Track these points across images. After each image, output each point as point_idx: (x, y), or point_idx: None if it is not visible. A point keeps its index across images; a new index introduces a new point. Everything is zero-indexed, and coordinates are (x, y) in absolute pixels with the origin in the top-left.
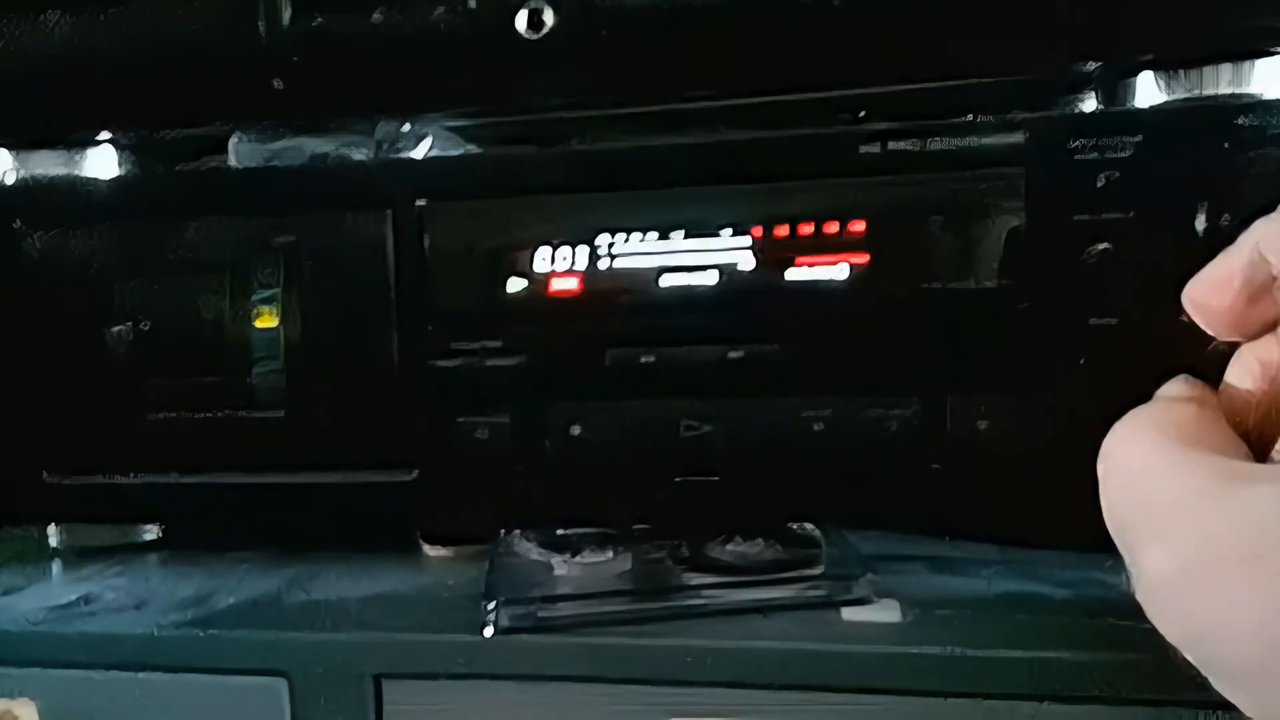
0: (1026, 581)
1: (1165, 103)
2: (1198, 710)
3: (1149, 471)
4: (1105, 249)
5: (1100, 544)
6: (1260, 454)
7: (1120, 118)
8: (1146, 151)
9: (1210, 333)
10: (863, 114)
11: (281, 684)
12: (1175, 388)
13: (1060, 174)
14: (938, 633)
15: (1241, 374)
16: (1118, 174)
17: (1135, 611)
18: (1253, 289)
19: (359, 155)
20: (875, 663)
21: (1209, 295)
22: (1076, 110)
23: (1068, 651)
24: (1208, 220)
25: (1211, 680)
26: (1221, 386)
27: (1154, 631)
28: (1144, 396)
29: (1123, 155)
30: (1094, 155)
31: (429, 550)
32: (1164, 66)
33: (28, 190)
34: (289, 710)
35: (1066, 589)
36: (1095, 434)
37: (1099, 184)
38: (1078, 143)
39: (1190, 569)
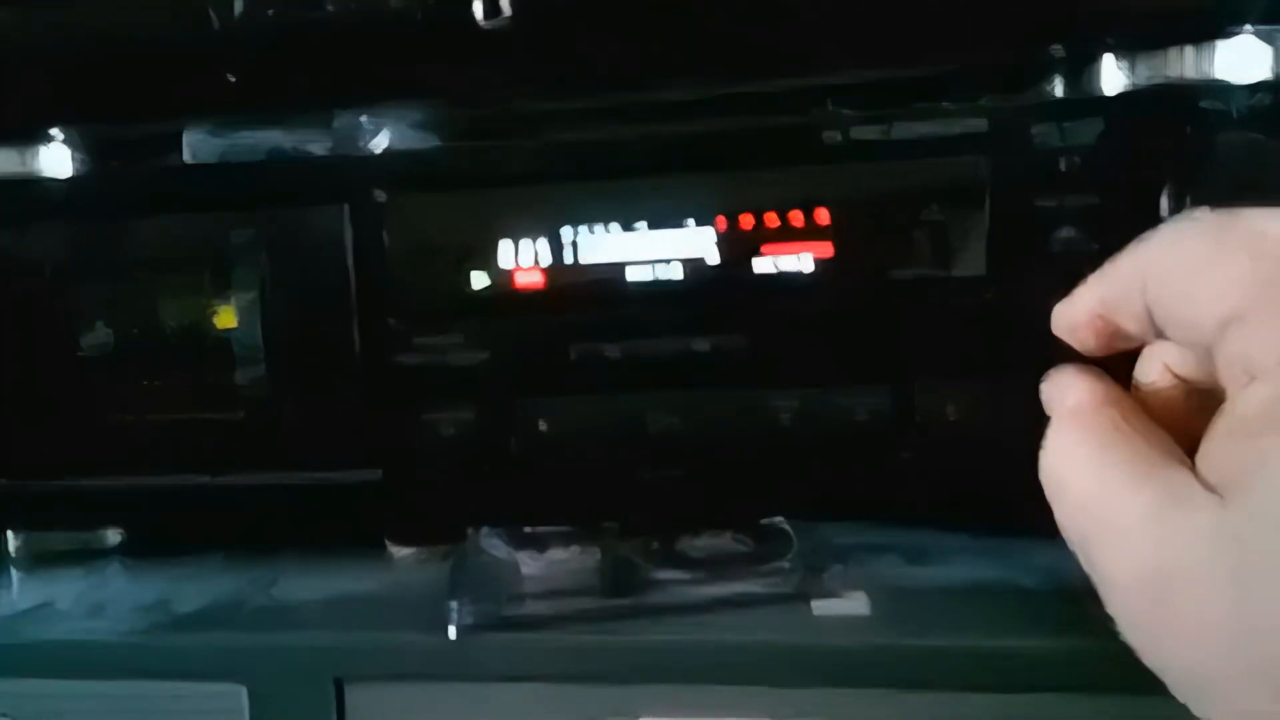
0: (999, 570)
1: (1128, 87)
2: (1173, 698)
3: (1099, 493)
4: (1070, 234)
5: None
6: (1183, 440)
7: (1083, 103)
8: (1110, 136)
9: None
10: (829, 103)
11: (240, 690)
12: (1079, 391)
13: (1024, 159)
14: (907, 624)
15: (1149, 370)
16: (1081, 159)
17: None
18: (1099, 335)
19: (316, 148)
20: (844, 656)
21: (1068, 334)
22: (1039, 96)
23: (1039, 640)
24: (1172, 203)
25: (1169, 686)
26: (1135, 383)
27: None
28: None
29: (1086, 140)
30: (1057, 141)
31: (395, 550)
32: (1126, 50)
33: None
34: (248, 716)
35: (1039, 576)
36: None
37: (1063, 169)
38: (1041, 128)
39: (1147, 583)
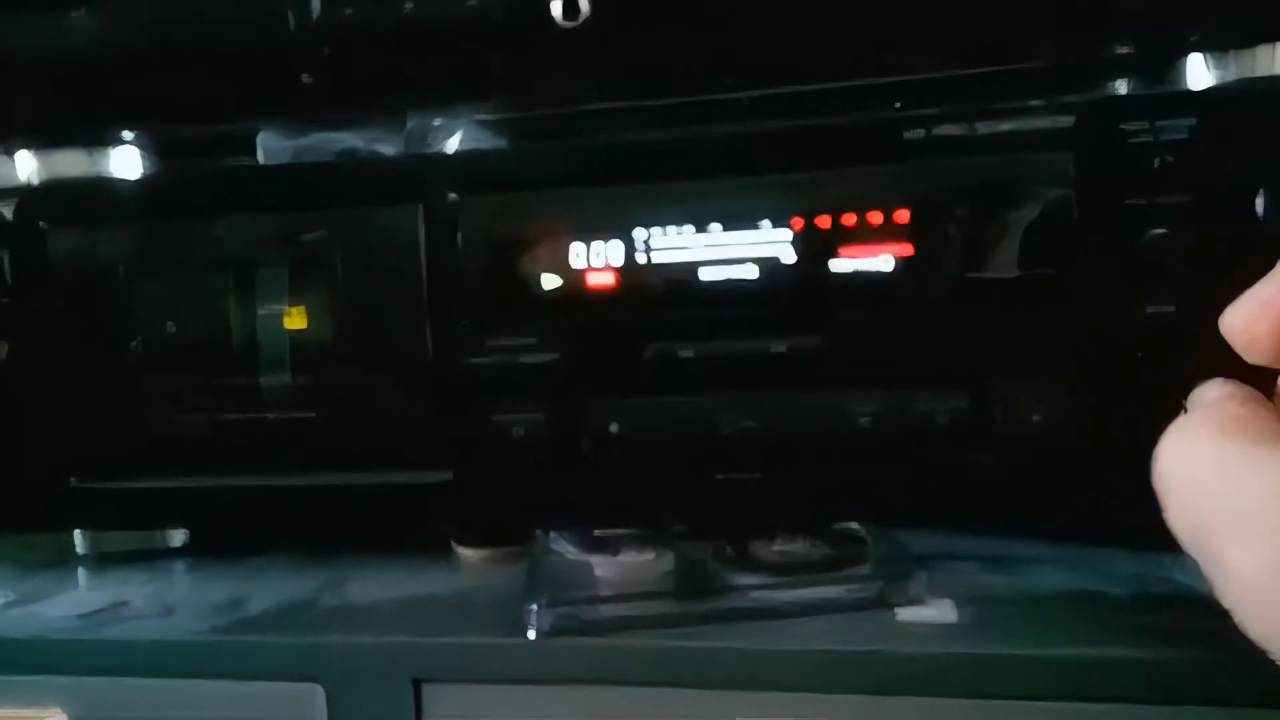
0: (1084, 579)
1: (1220, 83)
2: (1266, 711)
3: (1222, 475)
4: (1161, 234)
5: (1158, 540)
6: None
7: (1175, 99)
8: (1203, 133)
9: (1248, 359)
10: (898, 105)
11: (317, 690)
12: (1216, 389)
13: (1113, 157)
14: (996, 632)
15: None
16: (1173, 157)
17: (1199, 609)
18: None
19: (389, 150)
20: (931, 663)
21: (1251, 322)
22: (1128, 91)
23: (1130, 650)
24: (1268, 203)
25: None
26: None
27: (1218, 630)
28: None
29: (1178, 137)
30: (1148, 138)
31: (463, 552)
32: (1216, 47)
33: (53, 191)
34: (325, 716)
35: (1125, 586)
36: (1152, 426)
37: (1154, 167)
38: (1131, 125)
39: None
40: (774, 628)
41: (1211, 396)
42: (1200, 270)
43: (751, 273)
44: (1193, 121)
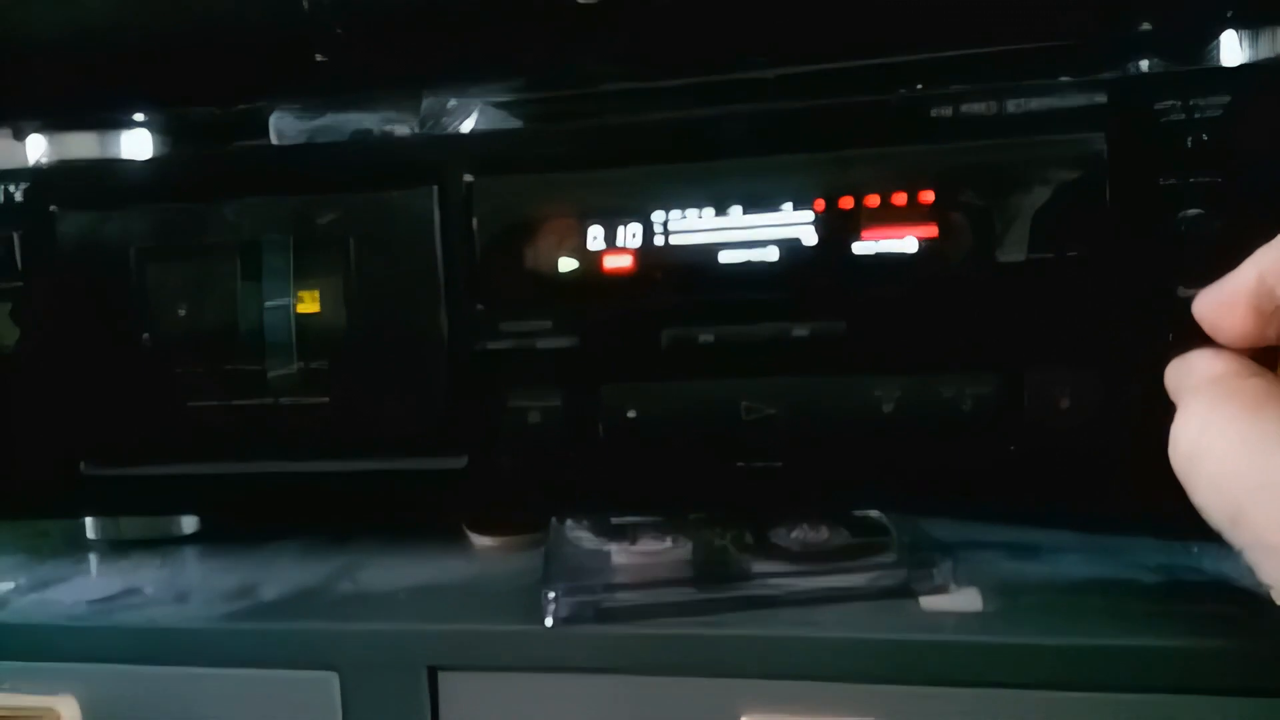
0: (1110, 567)
1: (1253, 61)
2: None
3: (1256, 455)
4: (1195, 214)
5: (1188, 528)
6: None
7: (1208, 77)
8: (1237, 111)
9: (1222, 344)
10: (937, 77)
11: (332, 677)
12: (1219, 363)
13: (1146, 136)
14: (1023, 621)
15: None
16: (1206, 135)
17: (1227, 597)
18: (1259, 313)
19: (403, 131)
20: (958, 653)
21: (1217, 316)
22: (1160, 69)
23: (1158, 639)
24: None
25: None
26: None
27: (1246, 618)
28: None
29: (1212, 115)
30: (1181, 116)
31: (476, 540)
32: (1248, 24)
33: (63, 173)
34: (340, 704)
35: (1153, 575)
36: None
37: (1187, 146)
38: (1164, 104)
39: None
40: (795, 616)
41: (1218, 371)
42: (1234, 251)
43: (772, 255)
44: (1226, 99)
